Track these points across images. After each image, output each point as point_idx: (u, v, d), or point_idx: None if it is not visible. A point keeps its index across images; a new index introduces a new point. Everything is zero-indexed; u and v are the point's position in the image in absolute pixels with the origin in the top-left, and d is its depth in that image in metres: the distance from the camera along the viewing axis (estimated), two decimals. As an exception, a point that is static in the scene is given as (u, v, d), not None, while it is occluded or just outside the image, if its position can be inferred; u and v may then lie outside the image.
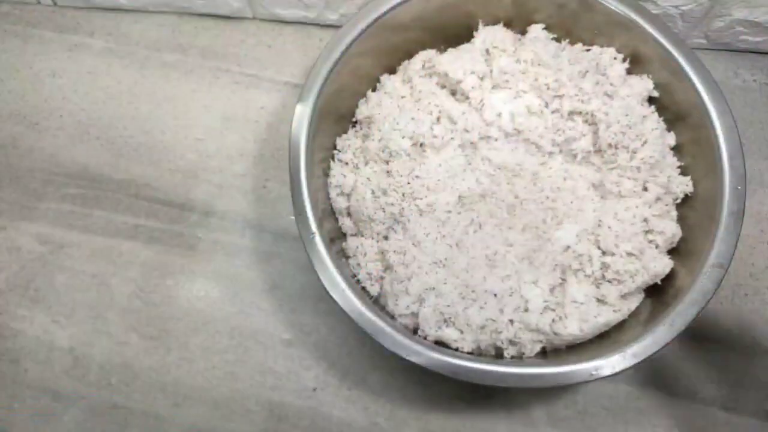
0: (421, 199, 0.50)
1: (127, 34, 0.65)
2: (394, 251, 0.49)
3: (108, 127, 0.62)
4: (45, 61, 0.64)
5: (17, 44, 0.65)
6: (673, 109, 0.52)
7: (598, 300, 0.48)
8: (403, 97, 0.53)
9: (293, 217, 0.57)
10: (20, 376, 0.55)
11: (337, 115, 0.54)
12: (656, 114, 0.52)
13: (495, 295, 0.48)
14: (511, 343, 0.48)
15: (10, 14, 0.66)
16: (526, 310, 0.48)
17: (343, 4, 0.60)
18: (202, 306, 0.56)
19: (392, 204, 0.50)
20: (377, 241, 0.51)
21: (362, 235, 0.52)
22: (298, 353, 0.55)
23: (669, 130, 0.52)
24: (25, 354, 0.56)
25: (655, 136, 0.50)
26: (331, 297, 0.46)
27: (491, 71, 0.52)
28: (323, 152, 0.53)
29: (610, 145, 0.50)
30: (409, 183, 0.50)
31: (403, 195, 0.50)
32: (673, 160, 0.51)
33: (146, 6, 0.64)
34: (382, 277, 0.51)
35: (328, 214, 0.53)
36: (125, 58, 0.64)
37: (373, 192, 0.51)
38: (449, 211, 0.50)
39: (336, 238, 0.52)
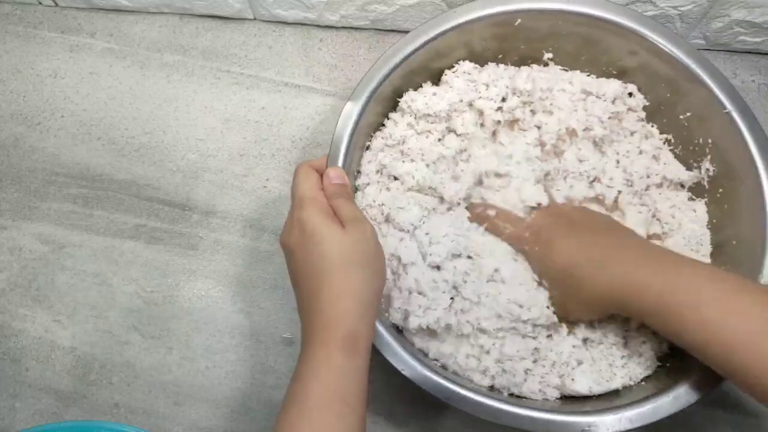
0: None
1: (128, 34, 0.65)
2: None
3: (109, 128, 0.62)
4: (46, 61, 0.65)
5: (19, 45, 0.65)
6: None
7: (611, 364, 0.48)
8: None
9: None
10: (21, 376, 0.55)
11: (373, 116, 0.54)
12: None
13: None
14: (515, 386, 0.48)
15: (11, 15, 0.67)
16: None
17: (344, 5, 0.60)
18: (203, 305, 0.57)
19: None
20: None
21: None
22: (299, 352, 0.55)
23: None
24: (27, 353, 0.56)
25: None
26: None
27: None
28: (358, 151, 0.53)
29: None
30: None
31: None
32: None
33: (147, 7, 0.65)
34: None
35: None
36: (126, 58, 0.64)
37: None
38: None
39: None
